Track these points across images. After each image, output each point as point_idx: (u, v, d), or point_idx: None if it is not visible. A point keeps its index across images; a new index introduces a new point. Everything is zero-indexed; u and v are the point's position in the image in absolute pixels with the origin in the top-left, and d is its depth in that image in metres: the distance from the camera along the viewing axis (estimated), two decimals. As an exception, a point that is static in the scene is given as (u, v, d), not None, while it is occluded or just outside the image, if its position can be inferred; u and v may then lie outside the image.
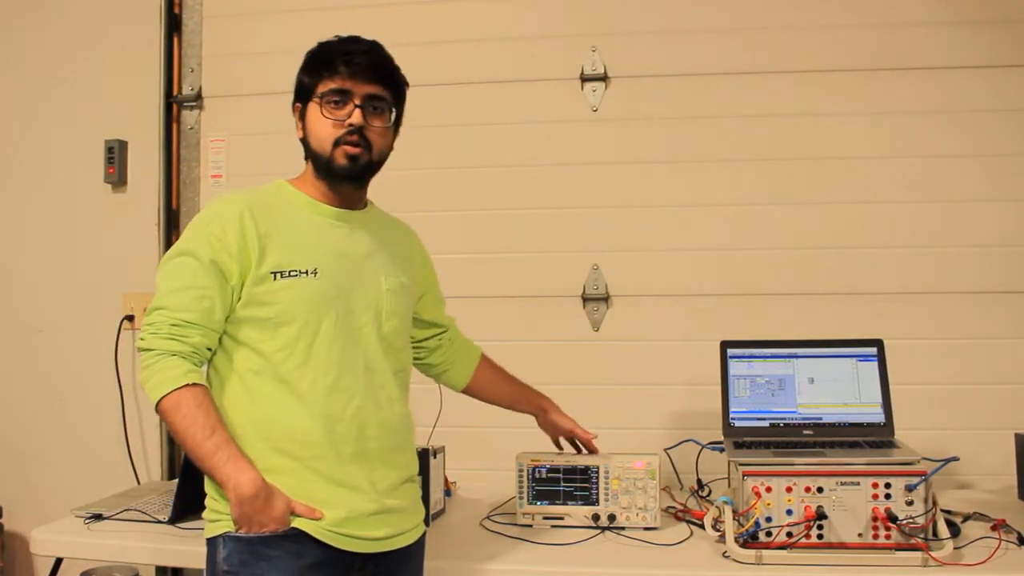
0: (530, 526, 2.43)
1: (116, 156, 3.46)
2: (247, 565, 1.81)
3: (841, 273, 3.12)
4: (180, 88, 3.52)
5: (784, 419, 2.59)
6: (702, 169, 3.20)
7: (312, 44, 3.25)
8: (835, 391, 2.60)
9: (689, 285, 3.17)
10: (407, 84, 2.08)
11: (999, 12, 3.11)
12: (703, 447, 2.62)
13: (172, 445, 3.45)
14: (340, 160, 1.95)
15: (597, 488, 2.42)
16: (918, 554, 2.06)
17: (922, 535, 2.08)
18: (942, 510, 2.18)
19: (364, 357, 1.95)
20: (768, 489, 2.15)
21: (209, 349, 1.90)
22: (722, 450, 2.49)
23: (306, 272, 1.90)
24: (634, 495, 2.40)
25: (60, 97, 3.55)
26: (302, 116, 2.02)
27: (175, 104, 3.52)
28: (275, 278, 1.88)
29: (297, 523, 1.83)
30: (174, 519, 2.45)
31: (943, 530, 2.11)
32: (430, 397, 2.71)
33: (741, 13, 3.21)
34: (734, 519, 2.17)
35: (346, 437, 1.90)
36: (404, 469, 2.02)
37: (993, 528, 2.26)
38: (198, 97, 3.50)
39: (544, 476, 2.44)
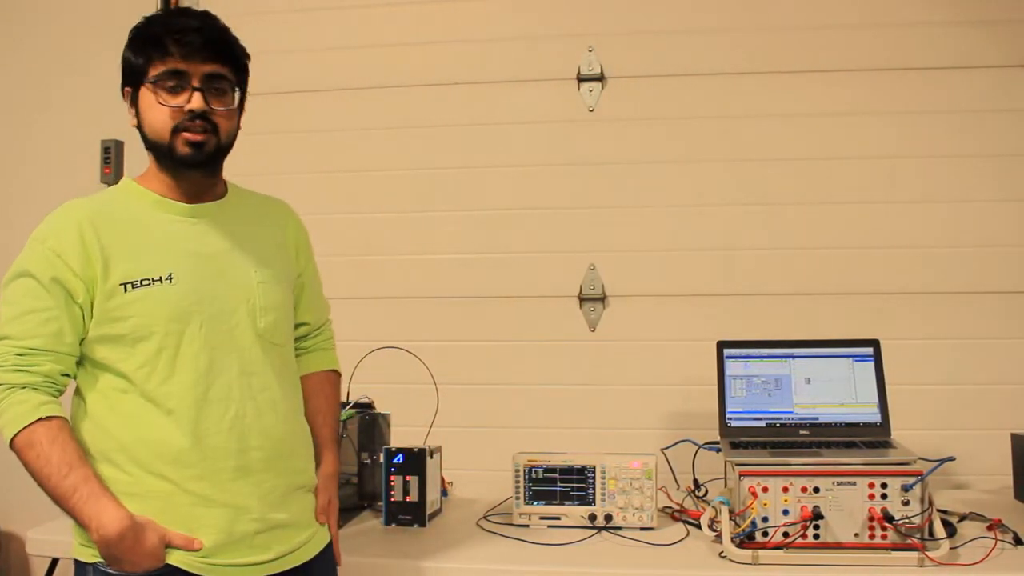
0: (527, 526, 2.43)
1: (112, 156, 3.45)
2: None
3: (837, 273, 3.13)
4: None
5: (780, 419, 2.59)
6: (699, 169, 3.21)
7: (309, 44, 3.25)
8: (831, 391, 2.59)
9: (686, 285, 3.17)
10: (248, 57, 1.89)
11: (1002, 12, 3.12)
12: (699, 447, 2.62)
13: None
14: (182, 149, 1.76)
15: (594, 488, 2.41)
16: (914, 554, 2.06)
17: (918, 535, 2.08)
18: (938, 510, 2.18)
19: (239, 361, 1.80)
20: (765, 489, 2.15)
21: (65, 375, 1.74)
22: (719, 450, 2.49)
23: (159, 279, 1.73)
24: (631, 495, 2.40)
25: (56, 97, 3.54)
26: (133, 102, 1.81)
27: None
28: (125, 290, 1.71)
29: (172, 558, 1.69)
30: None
31: (939, 530, 2.11)
32: (427, 397, 2.72)
33: (738, 13, 3.22)
34: (730, 519, 2.17)
35: (224, 451, 1.75)
36: (295, 476, 1.87)
37: (989, 528, 2.26)
38: (189, 99, 3.49)
39: (540, 476, 2.44)
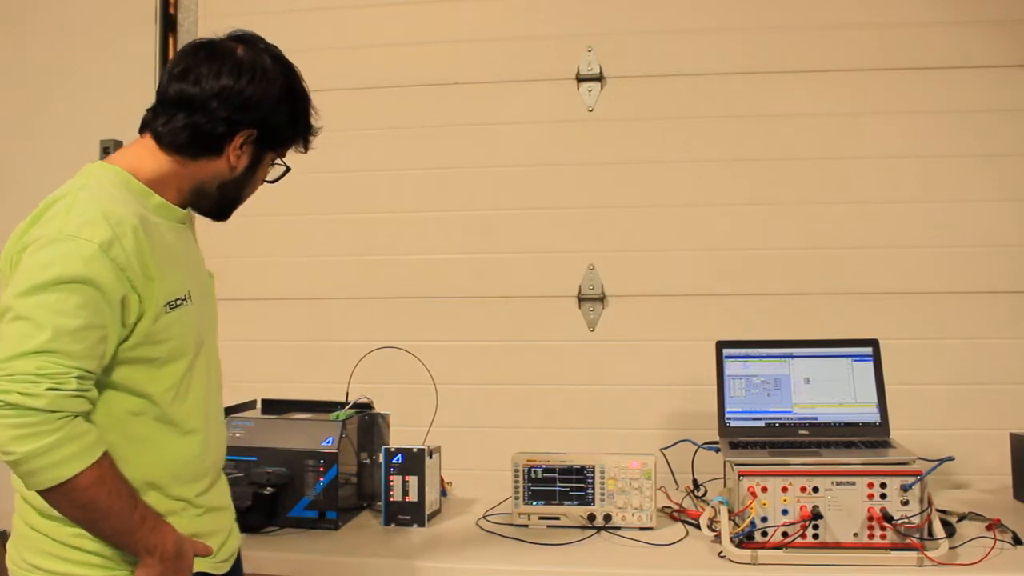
0: (526, 526, 2.43)
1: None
2: None
3: (836, 273, 3.13)
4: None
5: (780, 419, 2.59)
6: (698, 169, 3.21)
7: (307, 44, 3.25)
8: (831, 391, 2.60)
9: (685, 285, 3.18)
10: None
11: (1004, 12, 3.12)
12: (699, 447, 2.62)
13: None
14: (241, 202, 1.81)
15: (593, 488, 2.41)
16: (913, 554, 2.06)
17: (917, 535, 2.09)
18: (937, 510, 2.18)
19: (217, 376, 1.82)
20: (764, 489, 2.15)
21: None
22: (718, 450, 2.49)
23: (186, 298, 1.66)
24: (630, 495, 2.40)
25: (56, 97, 3.53)
26: (253, 154, 1.74)
27: (171, 104, 3.51)
28: (167, 310, 1.60)
29: (198, 565, 1.69)
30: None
31: (938, 530, 2.11)
32: (426, 397, 2.72)
33: (738, 13, 3.22)
34: (730, 519, 2.17)
35: (218, 461, 1.80)
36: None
37: (988, 528, 2.26)
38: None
39: (540, 476, 2.44)
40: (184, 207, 1.73)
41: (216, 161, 1.70)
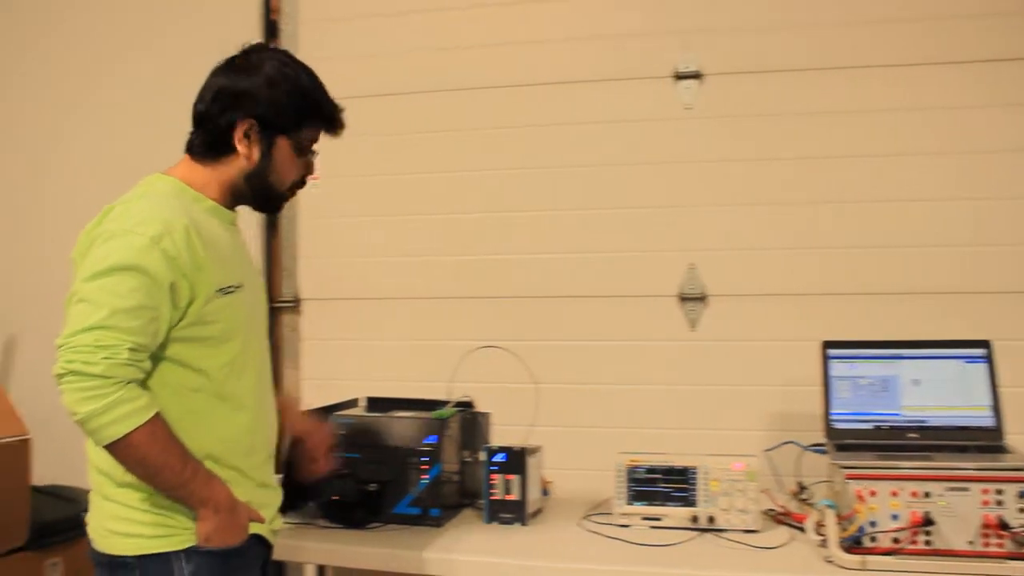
0: (628, 527, 2.43)
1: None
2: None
3: (947, 271, 3.04)
4: (281, 89, 3.60)
5: (888, 421, 2.53)
6: (799, 166, 3.15)
7: (403, 49, 3.32)
8: (941, 393, 2.52)
9: (788, 284, 3.12)
10: None
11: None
12: (804, 449, 2.58)
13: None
14: (288, 197, 2.01)
15: (696, 489, 2.40)
16: (1032, 563, 2.00)
17: (1036, 544, 2.02)
18: (1058, 518, 2.11)
19: (266, 363, 2.03)
20: (872, 493, 2.11)
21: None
22: (824, 452, 2.45)
23: (239, 286, 1.87)
24: (733, 497, 2.37)
25: (161, 108, 3.61)
26: (263, 141, 1.90)
27: (276, 110, 3.59)
28: (219, 295, 1.82)
29: (254, 529, 1.90)
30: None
31: (1059, 539, 2.05)
32: (526, 397, 2.73)
33: (834, 8, 3.15)
34: (837, 523, 2.13)
35: (269, 441, 1.99)
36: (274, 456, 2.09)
37: (1111, 537, 2.18)
38: (295, 99, 3.57)
39: (642, 477, 2.43)
40: (232, 209, 1.96)
41: (235, 158, 1.91)
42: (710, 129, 3.22)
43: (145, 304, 1.71)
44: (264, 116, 1.89)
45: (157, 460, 1.73)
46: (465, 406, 2.69)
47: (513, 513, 2.47)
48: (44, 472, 1.92)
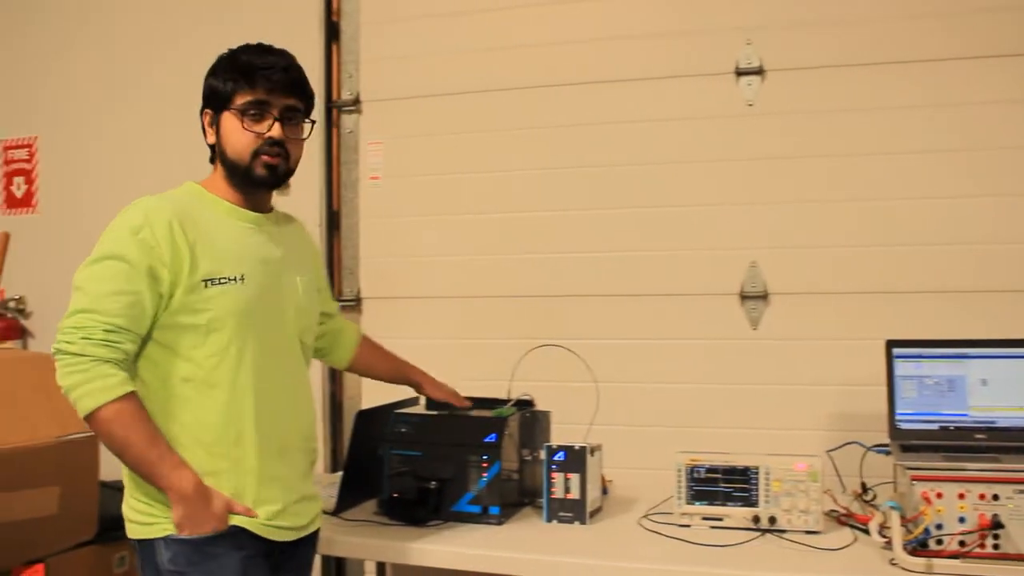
0: (688, 526, 2.42)
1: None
2: (195, 565, 1.90)
3: (1018, 268, 2.96)
4: (339, 93, 3.65)
5: (955, 422, 2.49)
6: (862, 163, 3.10)
7: (467, 48, 3.35)
8: (1010, 393, 2.48)
9: (852, 282, 3.07)
10: (314, 95, 2.15)
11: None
12: (868, 449, 2.54)
13: (336, 439, 3.58)
14: (259, 170, 2.01)
15: (757, 489, 2.38)
16: (1105, 569, 1.95)
17: (1110, 549, 1.97)
18: None
19: (284, 357, 2.07)
20: (939, 495, 2.07)
21: (136, 355, 1.94)
22: (888, 453, 2.41)
23: (234, 279, 1.95)
24: (795, 497, 2.35)
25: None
26: (213, 123, 2.05)
27: (335, 109, 3.64)
28: (206, 286, 1.92)
29: (236, 521, 1.94)
30: (339, 510, 2.54)
31: None
32: (586, 396, 2.73)
33: (902, 1, 3.09)
34: (902, 525, 2.10)
35: (272, 434, 2.00)
36: (312, 455, 2.17)
37: None
38: (356, 101, 3.61)
39: (703, 476, 2.42)
40: (256, 210, 2.07)
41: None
42: (772, 125, 3.18)
43: (124, 289, 1.86)
44: (208, 101, 2.05)
45: (119, 438, 1.86)
46: (525, 404, 2.70)
47: (572, 512, 2.47)
48: (112, 468, 2.00)
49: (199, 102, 2.10)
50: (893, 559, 2.06)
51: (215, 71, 2.05)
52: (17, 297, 3.95)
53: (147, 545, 1.94)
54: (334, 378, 3.60)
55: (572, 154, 3.35)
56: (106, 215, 1.99)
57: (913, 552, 2.05)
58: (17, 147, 4.05)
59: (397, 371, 2.64)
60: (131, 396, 1.86)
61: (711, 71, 3.24)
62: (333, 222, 3.62)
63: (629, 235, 3.28)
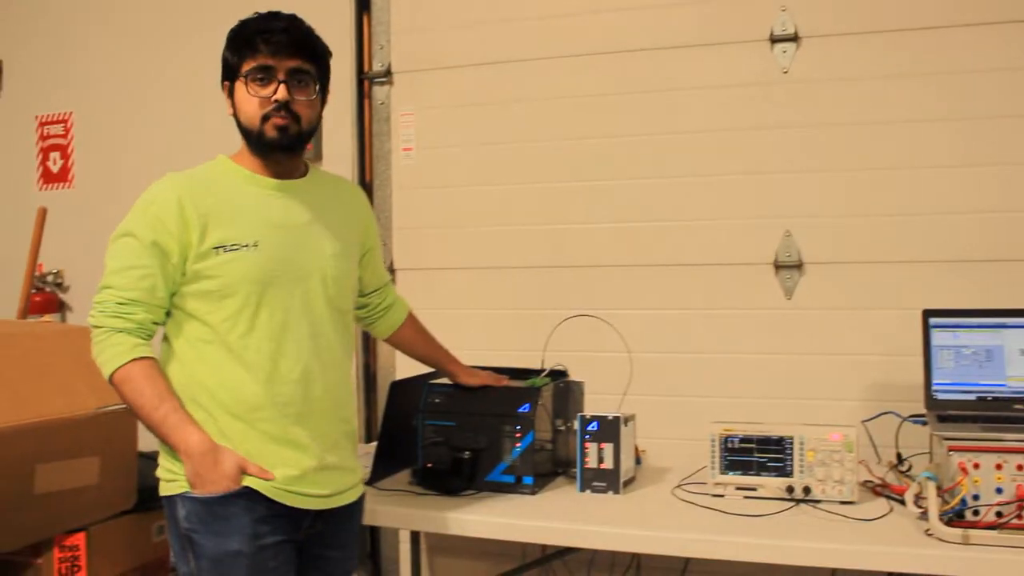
0: (722, 496, 2.42)
1: (313, 132, 3.61)
2: (206, 524, 1.95)
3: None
4: (371, 65, 3.64)
5: (992, 392, 2.47)
6: (899, 130, 3.05)
7: (498, 18, 3.34)
8: (1049, 363, 2.45)
9: (887, 251, 3.04)
10: (330, 54, 2.15)
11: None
12: (904, 420, 2.53)
13: (370, 409, 3.61)
14: (270, 133, 2.02)
15: (792, 459, 2.37)
16: None
17: None
18: None
19: (309, 323, 2.06)
20: (976, 466, 2.06)
21: (156, 323, 2.01)
22: (924, 423, 2.40)
23: (246, 245, 1.99)
24: (830, 467, 2.34)
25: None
26: (230, 94, 2.09)
27: (366, 80, 3.64)
28: (217, 253, 1.98)
29: (248, 482, 1.96)
30: (373, 480, 2.56)
31: None
32: (620, 366, 2.73)
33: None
34: (938, 496, 2.09)
35: (291, 399, 2.02)
36: (344, 424, 2.16)
37: None
38: (388, 73, 3.60)
39: (736, 446, 2.42)
40: (277, 176, 2.10)
41: None
42: (807, 93, 3.14)
43: (133, 264, 1.96)
44: (224, 74, 2.10)
45: (130, 399, 1.96)
46: (559, 375, 2.71)
47: (606, 481, 2.48)
48: (150, 438, 2.05)
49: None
50: (929, 530, 2.06)
51: (227, 43, 2.09)
52: (55, 271, 4.00)
53: (170, 502, 2.01)
54: (368, 348, 3.62)
55: (604, 124, 3.33)
56: (141, 190, 2.03)
57: (949, 523, 2.04)
58: (53, 122, 4.09)
59: (432, 356, 2.62)
60: (141, 360, 1.95)
61: (745, 38, 3.20)
62: (366, 193, 3.62)
63: (663, 205, 3.26)
